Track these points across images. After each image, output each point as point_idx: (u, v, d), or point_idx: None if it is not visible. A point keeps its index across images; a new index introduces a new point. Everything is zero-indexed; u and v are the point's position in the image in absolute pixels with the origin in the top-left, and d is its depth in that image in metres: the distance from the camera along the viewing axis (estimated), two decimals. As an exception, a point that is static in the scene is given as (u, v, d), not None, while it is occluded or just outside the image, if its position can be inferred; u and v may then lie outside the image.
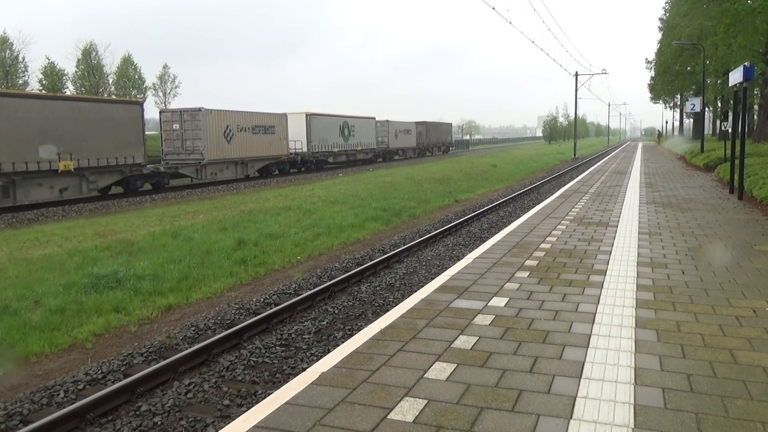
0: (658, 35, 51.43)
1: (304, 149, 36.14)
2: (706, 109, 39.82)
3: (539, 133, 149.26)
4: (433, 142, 61.12)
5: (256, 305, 8.25)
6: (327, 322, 7.47)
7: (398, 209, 17.35)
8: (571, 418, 2.98)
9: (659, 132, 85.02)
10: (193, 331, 7.25)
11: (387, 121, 49.33)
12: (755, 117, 32.98)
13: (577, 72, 54.07)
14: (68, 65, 63.36)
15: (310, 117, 36.65)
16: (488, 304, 5.00)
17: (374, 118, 46.72)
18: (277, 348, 6.64)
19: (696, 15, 25.88)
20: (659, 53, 48.91)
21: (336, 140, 39.80)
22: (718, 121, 45.21)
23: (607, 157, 38.00)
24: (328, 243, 12.70)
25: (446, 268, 7.83)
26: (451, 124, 72.48)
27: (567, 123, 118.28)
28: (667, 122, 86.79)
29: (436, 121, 65.72)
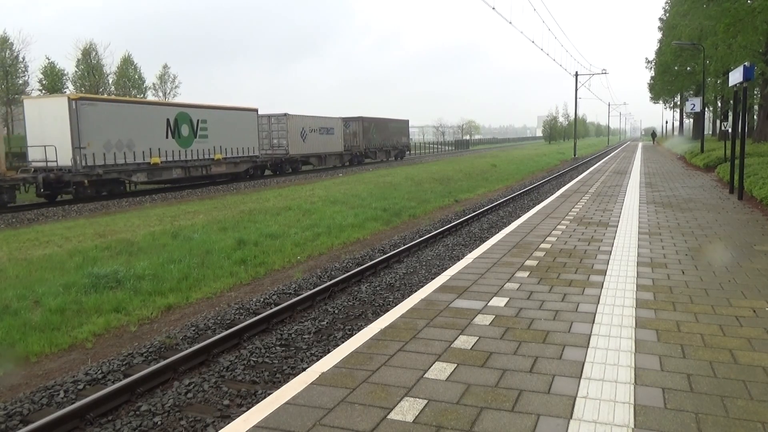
0: (658, 35, 51.47)
1: (67, 162, 20.71)
2: (706, 109, 39.84)
3: (539, 133, 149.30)
4: (376, 144, 46.11)
5: (256, 305, 8.25)
6: (327, 322, 7.47)
7: (398, 209, 17.36)
8: (571, 418, 2.98)
9: (654, 132, 79.26)
10: (193, 331, 7.25)
11: (285, 114, 33.78)
12: (755, 117, 32.99)
13: (577, 72, 54.10)
14: (68, 65, 63.34)
15: (79, 103, 20.92)
16: (488, 304, 5.00)
17: (256, 110, 31.23)
18: (277, 348, 6.64)
19: (696, 15, 25.89)
20: (659, 53, 48.92)
21: (159, 144, 24.33)
22: (718, 121, 45.24)
23: (607, 157, 38.00)
24: (328, 243, 12.70)
25: (446, 268, 7.83)
26: (407, 121, 54.54)
27: (567, 123, 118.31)
28: (667, 122, 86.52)
29: (383, 117, 49.23)
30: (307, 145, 35.98)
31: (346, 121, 42.22)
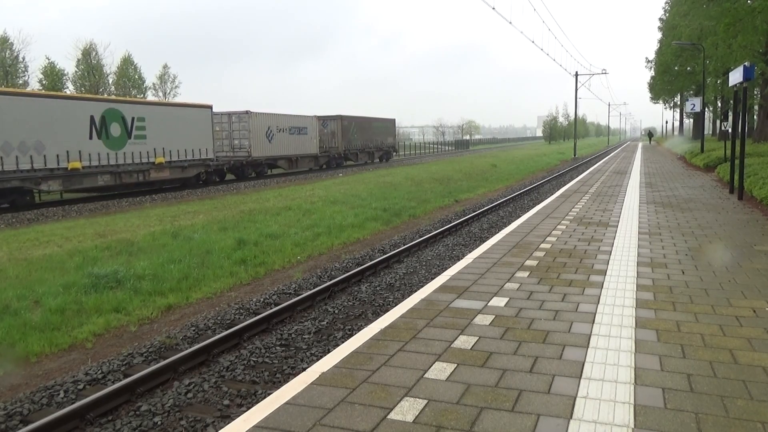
0: (658, 35, 51.51)
1: None
2: (706, 109, 39.83)
3: (539, 133, 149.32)
4: (357, 145, 42.72)
5: (256, 305, 8.25)
6: (327, 322, 7.47)
7: (398, 209, 17.36)
8: (571, 418, 2.98)
9: (651, 132, 76.72)
10: (193, 331, 7.25)
11: (247, 112, 30.63)
12: (755, 117, 32.98)
13: (577, 72, 54.11)
14: (69, 65, 63.31)
15: None
16: (488, 304, 4.99)
17: (210, 107, 27.74)
18: (277, 348, 6.64)
19: (696, 15, 25.90)
20: (659, 53, 48.96)
21: (81, 146, 20.62)
22: (718, 121, 45.23)
23: (607, 157, 38.00)
24: (328, 243, 12.70)
25: (446, 268, 7.83)
26: (393, 120, 50.71)
27: (567, 123, 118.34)
28: (667, 122, 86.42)
29: (366, 116, 45.59)
30: (273, 147, 32.53)
31: (324, 120, 39.10)
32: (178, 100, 50.35)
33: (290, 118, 34.58)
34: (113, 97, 23.47)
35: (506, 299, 5.14)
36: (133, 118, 23.02)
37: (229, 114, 30.78)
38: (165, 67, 54.11)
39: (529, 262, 6.62)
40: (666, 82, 48.83)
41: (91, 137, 21.19)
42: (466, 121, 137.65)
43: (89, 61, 46.23)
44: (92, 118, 21.27)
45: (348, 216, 15.59)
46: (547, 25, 37.99)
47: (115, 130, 22.27)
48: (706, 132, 40.20)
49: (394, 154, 52.25)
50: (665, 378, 3.43)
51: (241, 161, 30.51)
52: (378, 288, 8.98)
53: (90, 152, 21.03)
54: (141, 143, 23.30)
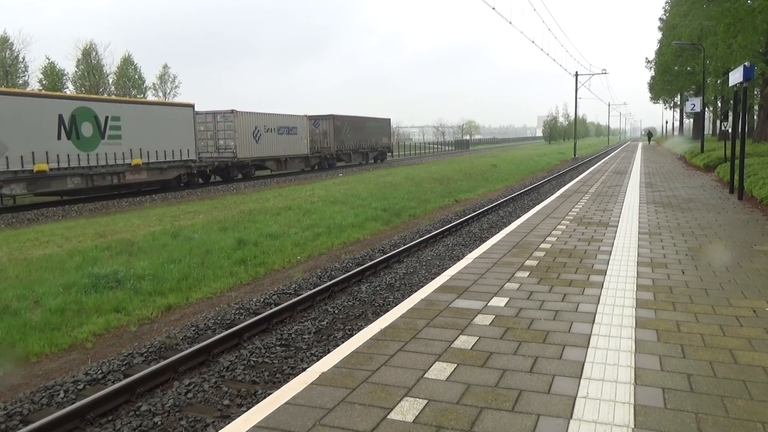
0: (658, 35, 51.51)
1: None
2: (706, 109, 39.84)
3: (539, 133, 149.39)
4: (351, 146, 41.72)
5: (256, 305, 8.25)
6: (327, 322, 7.47)
7: (398, 209, 17.36)
8: (571, 418, 2.98)
9: (650, 132, 74.96)
10: (193, 331, 7.25)
11: (233, 111, 29.60)
12: (755, 117, 32.98)
13: (577, 72, 54.13)
14: (69, 65, 63.35)
15: None
16: (488, 304, 4.99)
17: (192, 106, 26.64)
18: (277, 348, 6.64)
19: (696, 15, 25.89)
20: (659, 53, 48.97)
21: (48, 147, 19.46)
22: (718, 121, 45.26)
23: (607, 157, 37.99)
24: (328, 243, 12.70)
25: (446, 268, 7.83)
26: (388, 120, 49.86)
27: (567, 123, 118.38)
28: (667, 122, 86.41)
29: (360, 116, 44.34)
30: (260, 147, 31.40)
31: (315, 120, 38.18)
32: (177, 99, 50.33)
33: (279, 118, 33.34)
34: (84, 94, 22.45)
35: (506, 299, 5.14)
36: (106, 117, 21.72)
37: (214, 113, 29.81)
38: (165, 67, 54.13)
39: (529, 262, 6.62)
40: (666, 82, 48.86)
41: (59, 137, 20.01)
42: (466, 121, 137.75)
43: (89, 61, 46.24)
44: (61, 117, 20.07)
45: (348, 216, 15.59)
46: (547, 25, 38.04)
47: (87, 129, 21.03)
48: (706, 132, 40.21)
49: (389, 154, 51.02)
50: (665, 378, 3.43)
51: (226, 162, 29.54)
52: (378, 288, 8.98)
53: (59, 153, 19.82)
54: (116, 144, 22.10)
